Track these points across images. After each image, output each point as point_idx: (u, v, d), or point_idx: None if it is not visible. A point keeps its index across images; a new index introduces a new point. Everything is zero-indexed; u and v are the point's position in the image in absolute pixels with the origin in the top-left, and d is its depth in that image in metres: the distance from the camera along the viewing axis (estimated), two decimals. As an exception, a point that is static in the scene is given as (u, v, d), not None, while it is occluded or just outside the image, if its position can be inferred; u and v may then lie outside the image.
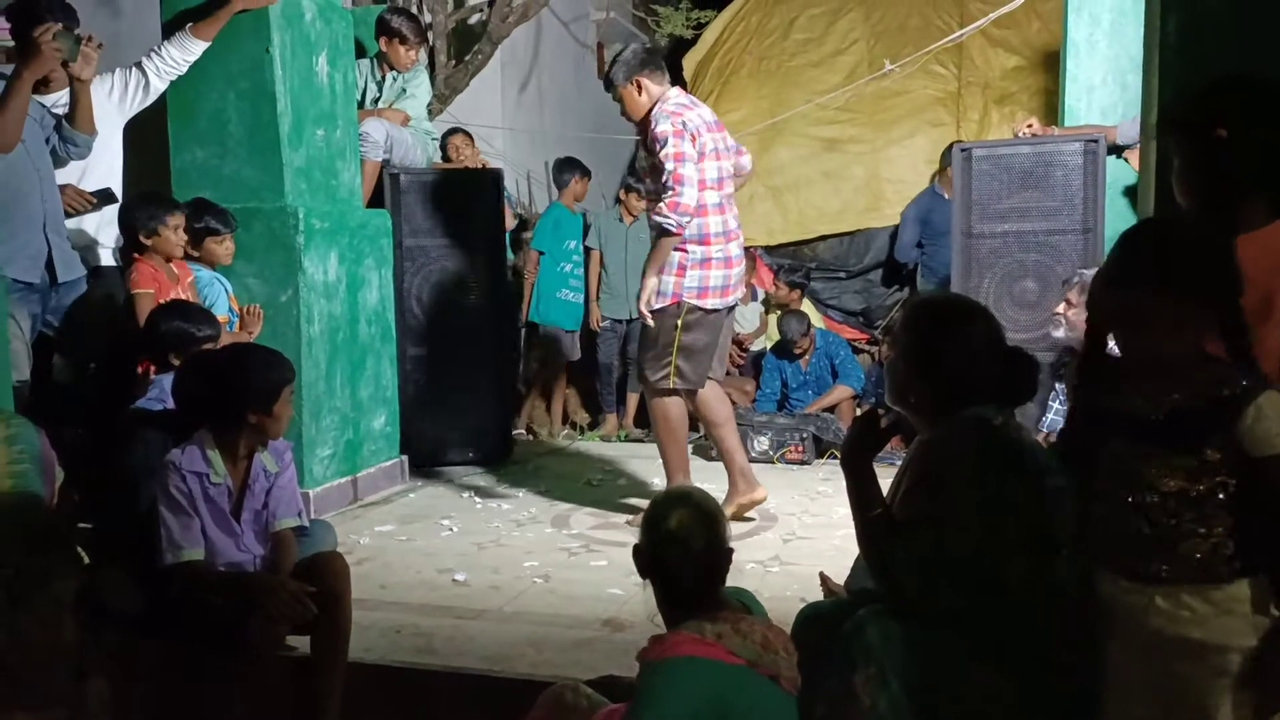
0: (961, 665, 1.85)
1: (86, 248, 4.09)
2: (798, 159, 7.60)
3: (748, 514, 4.08)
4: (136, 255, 3.79)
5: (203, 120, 4.35)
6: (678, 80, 4.66)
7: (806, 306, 6.93)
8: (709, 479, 4.10)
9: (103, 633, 2.40)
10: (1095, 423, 1.76)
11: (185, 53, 4.19)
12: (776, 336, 6.66)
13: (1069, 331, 3.75)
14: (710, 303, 3.92)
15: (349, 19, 4.88)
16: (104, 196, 4.00)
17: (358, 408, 4.73)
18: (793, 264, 7.18)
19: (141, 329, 3.51)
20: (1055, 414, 3.87)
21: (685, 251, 3.88)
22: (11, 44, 3.90)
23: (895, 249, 7.07)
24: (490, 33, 7.28)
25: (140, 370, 3.64)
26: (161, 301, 3.66)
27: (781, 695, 1.88)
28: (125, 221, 3.88)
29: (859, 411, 5.82)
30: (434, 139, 5.85)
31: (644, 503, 3.59)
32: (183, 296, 3.79)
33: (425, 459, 5.27)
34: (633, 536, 2.09)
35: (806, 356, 6.46)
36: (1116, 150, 4.80)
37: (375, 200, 5.20)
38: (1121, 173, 4.81)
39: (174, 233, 3.81)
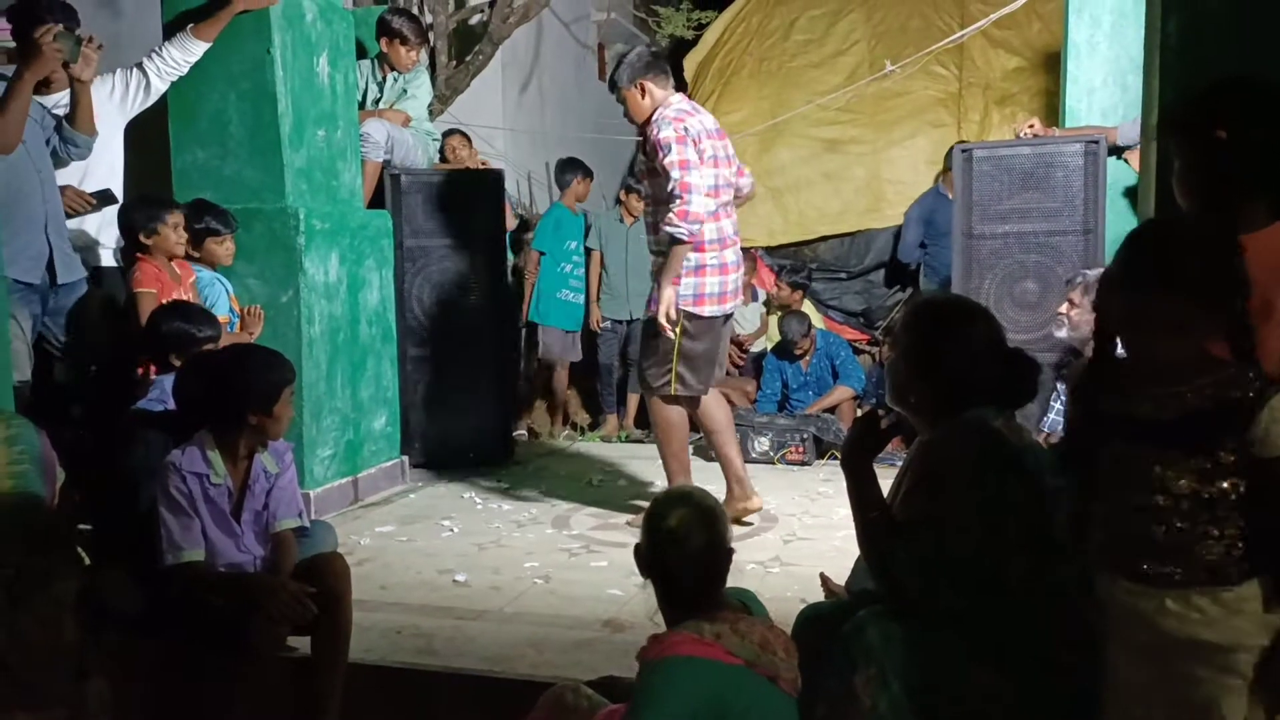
0: (962, 666, 1.85)
1: (87, 248, 4.09)
2: (798, 160, 7.61)
3: (746, 519, 4.08)
4: (139, 255, 3.79)
5: (204, 121, 4.35)
6: (679, 81, 4.66)
7: (807, 307, 6.92)
8: (709, 480, 4.10)
9: (103, 633, 2.40)
10: (1099, 425, 1.75)
11: (186, 53, 4.19)
12: (777, 337, 6.66)
13: (1071, 331, 3.75)
14: (707, 310, 3.91)
15: (350, 20, 4.89)
16: (104, 197, 4.00)
17: (358, 408, 4.73)
18: (794, 265, 7.18)
19: (143, 329, 3.51)
20: (1056, 414, 3.86)
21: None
22: (12, 45, 3.90)
23: (898, 249, 7.07)
24: (491, 33, 7.29)
25: (140, 371, 3.65)
26: (164, 301, 3.66)
27: (780, 695, 1.88)
28: (125, 223, 3.89)
29: (859, 412, 5.83)
30: (435, 140, 5.86)
31: (645, 503, 3.58)
32: (184, 297, 3.79)
33: (426, 460, 5.28)
34: (633, 537, 2.09)
35: (807, 357, 6.46)
36: (1117, 151, 4.80)
37: (376, 201, 5.20)
38: (1122, 174, 4.81)
39: (174, 231, 3.81)
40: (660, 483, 4.39)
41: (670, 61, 4.36)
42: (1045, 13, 6.91)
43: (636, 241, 6.42)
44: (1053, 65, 6.12)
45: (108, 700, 2.21)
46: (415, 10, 6.79)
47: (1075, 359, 3.74)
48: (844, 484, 2.08)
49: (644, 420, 6.16)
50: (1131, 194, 4.76)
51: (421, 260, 5.26)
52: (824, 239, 7.67)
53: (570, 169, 6.94)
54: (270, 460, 2.79)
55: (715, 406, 4.11)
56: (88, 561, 2.71)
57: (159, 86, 4.24)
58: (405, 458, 5.12)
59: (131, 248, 3.85)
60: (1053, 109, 5.97)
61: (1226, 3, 2.42)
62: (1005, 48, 7.36)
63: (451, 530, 4.21)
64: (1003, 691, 1.84)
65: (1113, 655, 1.73)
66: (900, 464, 2.16)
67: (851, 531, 2.08)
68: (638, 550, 2.01)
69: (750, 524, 4.10)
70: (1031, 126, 4.93)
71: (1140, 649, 1.69)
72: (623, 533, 4.05)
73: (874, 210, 7.47)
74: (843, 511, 2.65)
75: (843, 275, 7.66)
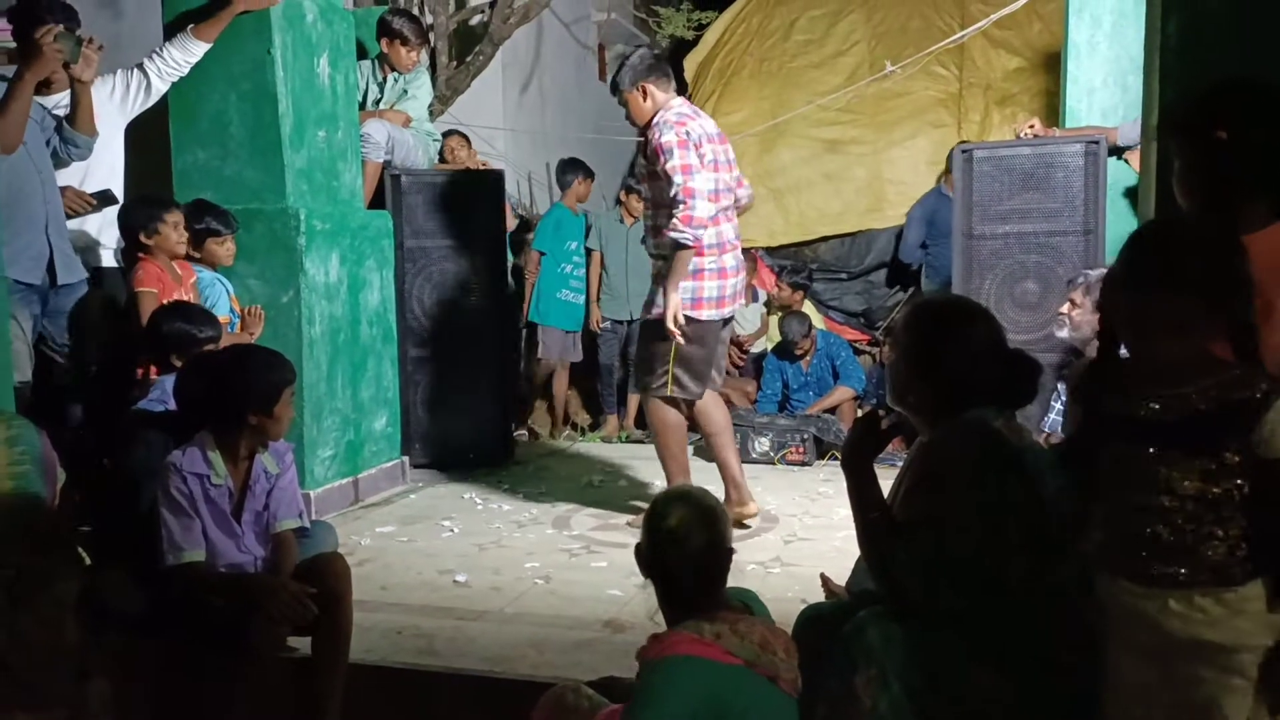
0: (962, 666, 1.85)
1: (88, 249, 4.09)
2: (799, 160, 7.61)
3: (744, 522, 4.07)
4: (141, 255, 3.80)
5: (204, 121, 4.36)
6: (679, 81, 4.66)
7: (807, 307, 6.93)
8: (709, 482, 4.10)
9: (104, 633, 2.41)
10: (1101, 425, 1.75)
11: (187, 54, 4.19)
12: (777, 338, 6.66)
13: (1072, 331, 3.76)
14: (705, 314, 3.90)
15: (350, 20, 4.89)
16: (104, 198, 4.01)
17: (359, 409, 4.73)
18: (794, 265, 7.19)
19: (144, 330, 3.51)
20: (1057, 414, 3.87)
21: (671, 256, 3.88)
22: (13, 45, 3.90)
23: (900, 249, 7.06)
24: (491, 34, 7.29)
25: (140, 372, 3.65)
26: (165, 302, 3.66)
27: (780, 696, 1.88)
28: (125, 224, 3.89)
29: (860, 413, 5.84)
30: (435, 140, 5.86)
31: (645, 504, 3.59)
32: (186, 297, 3.80)
33: (426, 460, 5.28)
34: (633, 537, 2.09)
35: (807, 358, 6.47)
36: (1117, 152, 4.80)
37: (377, 201, 5.20)
38: (1122, 174, 4.81)
39: (174, 230, 3.82)
40: (660, 483, 4.39)
41: (671, 62, 4.36)
42: (1046, 13, 6.91)
43: (637, 242, 6.42)
44: (1053, 65, 6.12)
45: (108, 700, 2.22)
46: (416, 11, 6.80)
47: (1076, 359, 3.75)
48: (844, 484, 2.08)
49: (644, 421, 6.15)
50: (1132, 194, 4.77)
51: (422, 261, 5.26)
52: (824, 239, 7.67)
53: (571, 169, 6.94)
54: (271, 461, 2.79)
55: (714, 409, 4.11)
56: (88, 562, 2.72)
57: (159, 87, 4.25)
58: (406, 458, 5.13)
59: (133, 248, 3.85)
60: (1053, 109, 5.97)
61: (1226, 3, 2.42)
62: (1006, 48, 7.36)
63: (452, 531, 4.21)
64: (1003, 692, 1.84)
65: (1113, 656, 1.73)
66: (901, 464, 2.16)
67: (852, 532, 2.08)
68: (638, 550, 2.01)
69: (750, 525, 4.10)
70: (1032, 127, 4.93)
71: (1142, 649, 1.69)
72: (623, 533, 4.05)
73: (875, 211, 7.48)
74: (843, 512, 2.65)
75: (843, 276, 7.67)
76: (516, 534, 4.16)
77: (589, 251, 6.86)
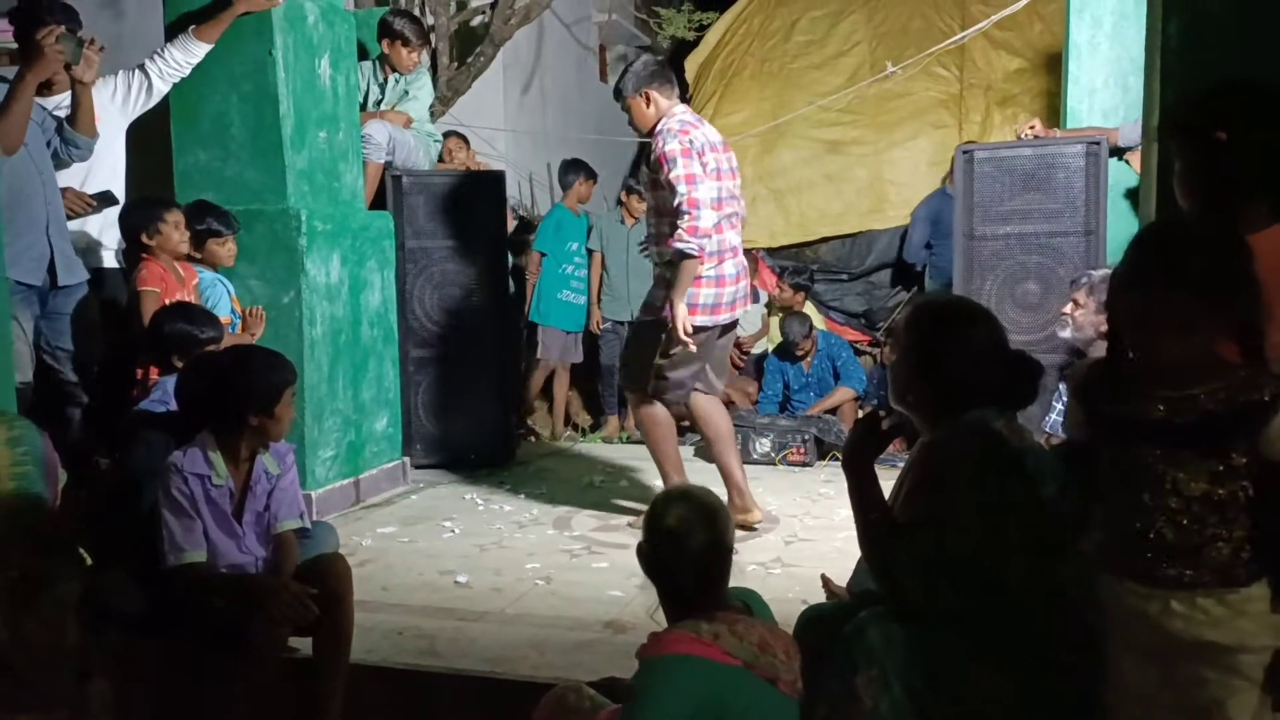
0: (962, 666, 1.86)
1: (89, 249, 4.09)
2: (800, 161, 7.61)
3: (748, 527, 4.08)
4: (144, 255, 3.80)
5: (205, 122, 4.36)
6: (680, 83, 4.66)
7: (808, 308, 6.93)
8: (710, 483, 4.10)
9: (105, 634, 2.41)
10: (1105, 425, 1.75)
11: (188, 55, 4.20)
12: (778, 338, 6.66)
13: (1075, 332, 3.76)
14: (696, 319, 3.88)
15: (351, 21, 4.89)
16: (105, 199, 4.01)
17: (360, 409, 4.74)
18: (795, 266, 7.19)
19: (145, 330, 3.52)
20: (1058, 415, 3.87)
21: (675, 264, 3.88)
22: (14, 46, 3.90)
23: (904, 249, 7.06)
24: (492, 35, 7.29)
25: (140, 372, 3.65)
26: (167, 302, 3.67)
27: (780, 697, 1.87)
28: (126, 225, 3.89)
29: (861, 414, 5.84)
30: (436, 141, 5.86)
31: (646, 505, 3.58)
32: (188, 299, 3.80)
33: (427, 461, 5.28)
34: (634, 538, 2.09)
35: (808, 358, 6.47)
36: (1118, 152, 4.81)
37: (378, 202, 5.20)
38: (1123, 175, 4.81)
39: (176, 230, 3.82)
40: (661, 484, 4.39)
41: (671, 62, 4.36)
42: (1047, 14, 6.91)
43: (638, 243, 6.43)
44: (1054, 66, 6.12)
45: (110, 701, 2.22)
46: (417, 12, 6.79)
47: (1079, 360, 3.75)
48: (845, 485, 2.08)
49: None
50: (1133, 195, 4.77)
51: (423, 261, 5.26)
52: (825, 240, 7.67)
53: (573, 170, 6.94)
54: (272, 461, 2.79)
55: (717, 415, 4.11)
56: (90, 563, 2.72)
57: (161, 88, 4.25)
58: (407, 459, 5.13)
59: (135, 249, 3.85)
60: (1054, 110, 5.97)
61: (1227, 4, 2.42)
62: (1007, 49, 7.36)
63: (453, 531, 4.21)
64: (1003, 692, 1.84)
65: (1115, 656, 1.73)
66: (902, 465, 2.16)
67: (853, 533, 2.08)
68: (640, 549, 2.01)
69: (754, 530, 4.10)
70: (1033, 127, 4.94)
71: (1144, 650, 1.69)
72: (624, 534, 4.06)
73: (875, 211, 7.48)
74: (844, 513, 2.65)
75: (844, 276, 7.66)
76: (517, 535, 4.17)
77: (590, 252, 6.86)
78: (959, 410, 1.98)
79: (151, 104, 4.28)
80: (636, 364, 4.05)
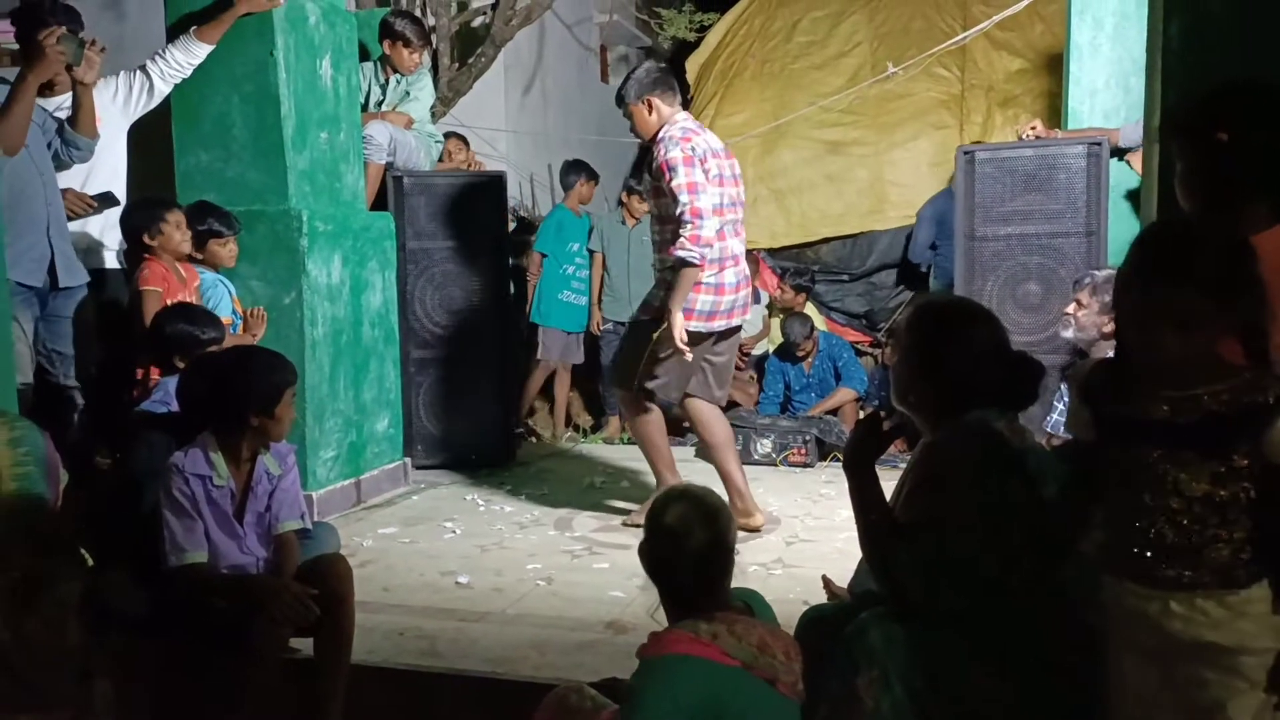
0: (963, 667, 1.86)
1: (90, 250, 4.09)
2: (801, 161, 7.61)
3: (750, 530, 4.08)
4: (146, 256, 3.80)
5: (207, 123, 4.36)
6: (680, 83, 4.66)
7: (809, 309, 6.93)
8: (710, 483, 4.10)
9: (106, 634, 2.41)
10: (1110, 426, 1.75)
11: (189, 56, 4.20)
12: (779, 339, 6.66)
13: (1078, 332, 3.76)
14: (693, 325, 3.88)
15: (353, 22, 4.90)
16: (105, 199, 4.01)
17: (361, 410, 4.74)
18: (796, 267, 7.18)
19: (147, 331, 3.52)
20: (1059, 415, 3.87)
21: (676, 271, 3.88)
22: (15, 47, 3.90)
23: (909, 249, 7.04)
24: (493, 35, 7.30)
25: (140, 372, 3.66)
26: (169, 302, 3.67)
27: (779, 698, 1.87)
28: (127, 227, 3.89)
29: (862, 414, 5.84)
30: (437, 141, 5.86)
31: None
32: (189, 299, 3.80)
33: (428, 461, 5.28)
34: (635, 538, 2.09)
35: (809, 359, 6.47)
36: (1119, 153, 4.81)
37: (379, 203, 5.21)
38: (1124, 176, 4.81)
39: (177, 230, 3.82)
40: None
41: (672, 63, 4.37)
42: (1048, 14, 6.91)
43: (638, 244, 6.44)
44: (1055, 67, 6.12)
45: (111, 701, 2.22)
46: (418, 13, 6.80)
47: (1081, 360, 3.75)
48: (846, 486, 2.08)
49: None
50: (1133, 196, 4.77)
51: (424, 262, 5.27)
52: (826, 241, 7.66)
53: (574, 171, 6.95)
54: (273, 462, 2.80)
55: (716, 422, 4.12)
56: (91, 563, 2.72)
57: (162, 89, 4.26)
58: (408, 459, 5.13)
59: (136, 250, 3.85)
60: (1055, 111, 5.97)
61: (1228, 6, 2.43)
62: (1008, 49, 7.36)
63: (454, 532, 4.21)
64: (1003, 693, 1.84)
65: (1115, 657, 1.73)
66: (903, 466, 2.16)
67: (854, 533, 2.08)
68: (641, 549, 2.01)
69: (757, 533, 4.10)
70: (1034, 128, 4.93)
71: (1144, 651, 1.68)
72: (625, 534, 4.06)
73: (876, 212, 7.47)
74: (845, 513, 2.65)
75: (845, 277, 7.66)
76: (518, 535, 4.17)
77: (591, 253, 6.86)
78: (960, 411, 1.98)
79: (153, 105, 4.28)
80: (626, 361, 4.05)
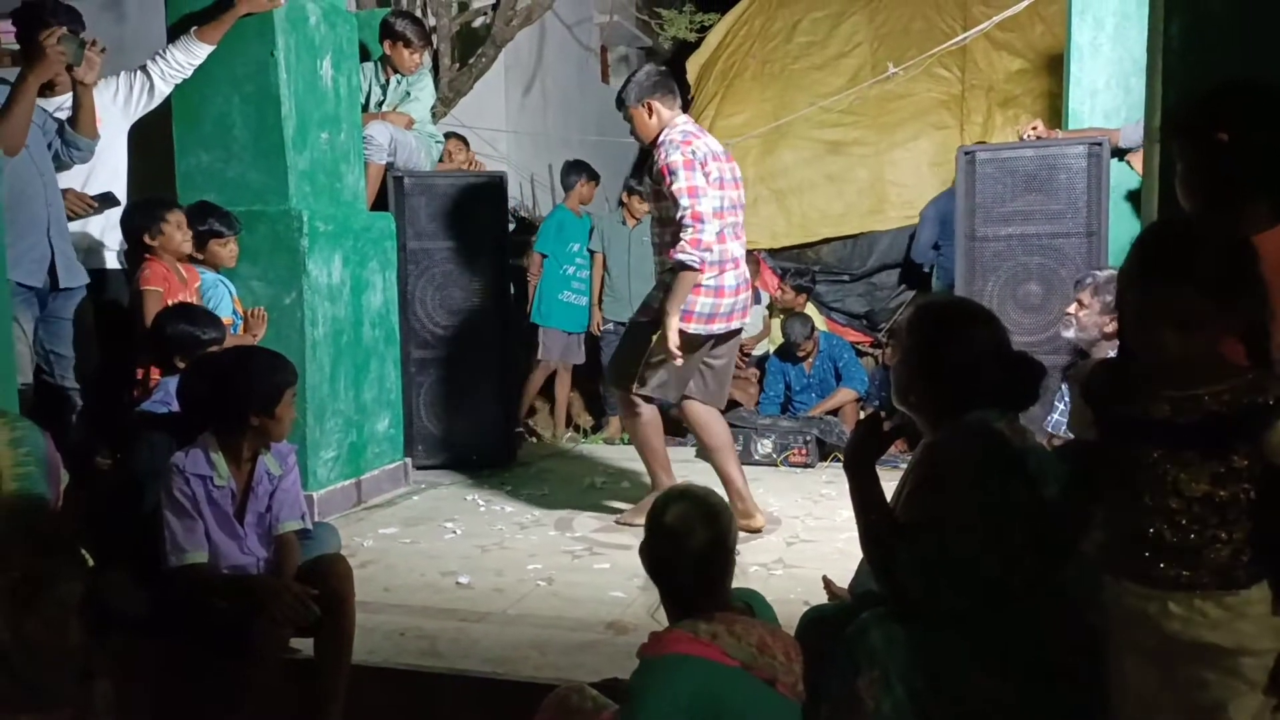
0: (964, 668, 1.85)
1: (91, 250, 4.10)
2: (801, 162, 7.61)
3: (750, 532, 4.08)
4: (147, 256, 3.80)
5: (207, 124, 4.36)
6: (681, 84, 4.66)
7: (810, 309, 6.92)
8: (710, 483, 4.10)
9: (107, 635, 2.41)
10: (1111, 426, 1.75)
11: (190, 56, 4.20)
12: (780, 339, 6.66)
13: (1079, 332, 3.75)
14: (691, 328, 3.88)
15: (353, 22, 4.90)
16: (105, 200, 4.01)
17: (361, 410, 4.74)
18: (797, 267, 7.18)
19: (147, 331, 3.52)
20: (1060, 415, 3.87)
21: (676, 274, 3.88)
22: (15, 47, 3.90)
23: (912, 249, 7.03)
24: (494, 36, 7.30)
25: (140, 372, 3.66)
26: (170, 303, 3.67)
27: (779, 699, 1.87)
28: (128, 228, 3.90)
29: (863, 414, 5.84)
30: (438, 142, 5.87)
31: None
32: (190, 300, 3.80)
33: (429, 462, 5.29)
34: (635, 538, 2.09)
35: (810, 359, 6.47)
36: (1119, 154, 4.80)
37: (379, 203, 5.21)
38: (1124, 176, 4.81)
39: (178, 230, 3.83)
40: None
41: (673, 64, 4.37)
42: (1048, 15, 6.91)
43: (639, 244, 6.44)
44: (1055, 67, 6.12)
45: (111, 701, 2.22)
46: (418, 13, 6.80)
47: (1083, 360, 3.75)
48: (847, 486, 2.08)
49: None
50: (1134, 196, 4.77)
51: (425, 262, 5.27)
52: (827, 241, 7.66)
53: (575, 171, 6.95)
54: (273, 462, 2.80)
55: (715, 424, 4.12)
56: (91, 563, 2.72)
57: (163, 89, 4.26)
58: (408, 460, 5.13)
59: (136, 251, 3.85)
60: (1056, 111, 5.97)
61: (1229, 6, 2.42)
62: (1008, 50, 7.36)
63: (454, 532, 4.21)
64: (1004, 693, 1.84)
65: (1116, 658, 1.73)
66: (904, 466, 2.16)
67: (854, 534, 2.08)
68: (642, 549, 2.01)
69: (758, 534, 4.11)
70: (1035, 129, 4.93)
71: (1145, 651, 1.68)
72: (625, 534, 4.05)
73: (877, 212, 7.47)
74: (846, 514, 2.65)
75: (845, 278, 7.66)
76: (519, 535, 4.17)
77: (592, 254, 6.86)
78: (961, 411, 1.98)
79: (153, 105, 4.28)
80: (624, 362, 4.05)
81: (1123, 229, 4.43)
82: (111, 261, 4.21)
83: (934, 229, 6.73)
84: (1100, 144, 4.59)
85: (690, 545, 1.91)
